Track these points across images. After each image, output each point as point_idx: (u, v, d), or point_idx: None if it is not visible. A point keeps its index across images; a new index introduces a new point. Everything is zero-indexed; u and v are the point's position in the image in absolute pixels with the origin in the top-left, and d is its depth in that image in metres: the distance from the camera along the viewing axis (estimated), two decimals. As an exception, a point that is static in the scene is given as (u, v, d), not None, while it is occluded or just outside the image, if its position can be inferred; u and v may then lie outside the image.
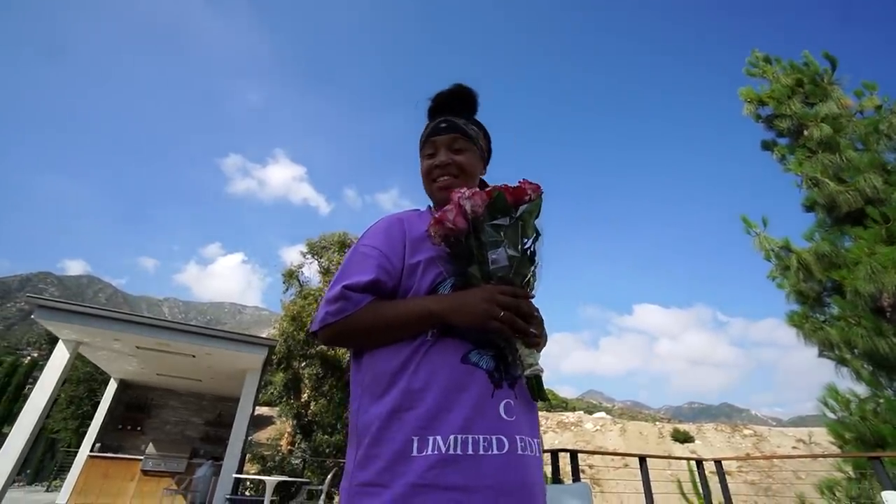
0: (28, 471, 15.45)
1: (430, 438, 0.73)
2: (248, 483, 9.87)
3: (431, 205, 1.09)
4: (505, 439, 0.76)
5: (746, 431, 14.68)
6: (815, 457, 6.33)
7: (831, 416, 5.55)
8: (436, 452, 0.71)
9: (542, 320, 0.92)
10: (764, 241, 6.69)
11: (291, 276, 14.26)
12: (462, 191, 0.85)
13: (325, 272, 14.31)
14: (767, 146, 7.39)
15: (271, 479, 6.11)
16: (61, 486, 10.83)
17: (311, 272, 14.72)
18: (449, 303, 0.82)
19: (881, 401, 5.07)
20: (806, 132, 6.59)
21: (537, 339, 0.81)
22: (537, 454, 0.83)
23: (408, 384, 0.78)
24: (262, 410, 17.84)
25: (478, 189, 0.87)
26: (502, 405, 0.79)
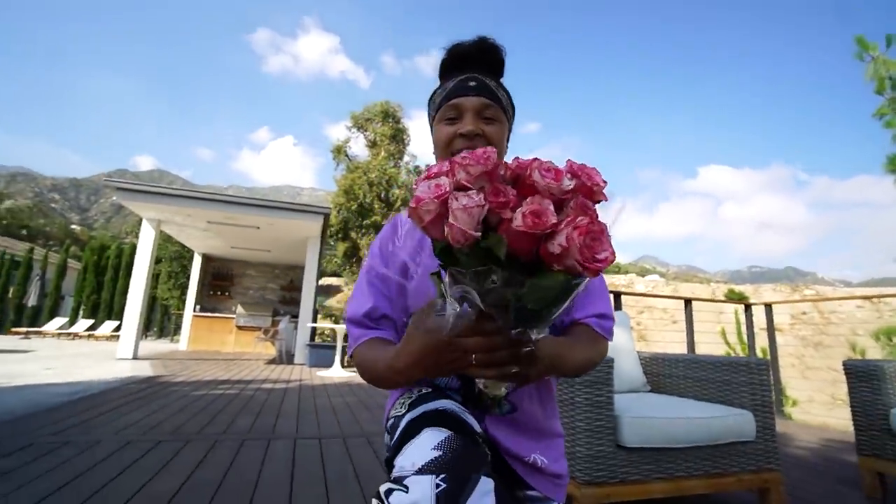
0: (154, 328, 19.00)
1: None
2: (324, 333, 11.51)
3: None
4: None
5: (807, 292, 14.31)
6: (874, 298, 6.02)
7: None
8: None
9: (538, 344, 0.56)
10: (881, 67, 5.47)
11: (340, 151, 14.36)
12: (462, 156, 0.48)
13: (372, 144, 14.22)
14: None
15: (340, 327, 7.03)
16: (179, 339, 13.29)
17: (359, 146, 14.71)
18: (405, 357, 0.62)
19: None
20: None
21: (516, 376, 0.56)
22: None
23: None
24: (331, 281, 19.81)
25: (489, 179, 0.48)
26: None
